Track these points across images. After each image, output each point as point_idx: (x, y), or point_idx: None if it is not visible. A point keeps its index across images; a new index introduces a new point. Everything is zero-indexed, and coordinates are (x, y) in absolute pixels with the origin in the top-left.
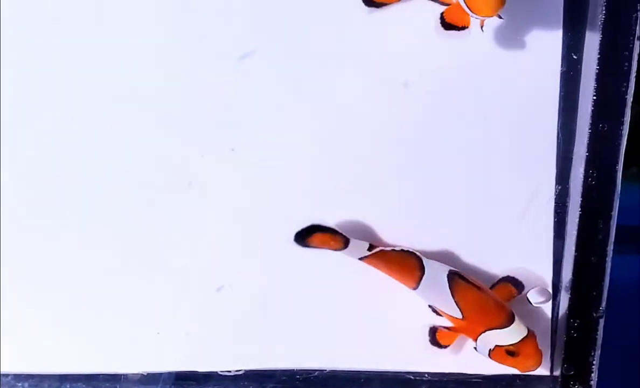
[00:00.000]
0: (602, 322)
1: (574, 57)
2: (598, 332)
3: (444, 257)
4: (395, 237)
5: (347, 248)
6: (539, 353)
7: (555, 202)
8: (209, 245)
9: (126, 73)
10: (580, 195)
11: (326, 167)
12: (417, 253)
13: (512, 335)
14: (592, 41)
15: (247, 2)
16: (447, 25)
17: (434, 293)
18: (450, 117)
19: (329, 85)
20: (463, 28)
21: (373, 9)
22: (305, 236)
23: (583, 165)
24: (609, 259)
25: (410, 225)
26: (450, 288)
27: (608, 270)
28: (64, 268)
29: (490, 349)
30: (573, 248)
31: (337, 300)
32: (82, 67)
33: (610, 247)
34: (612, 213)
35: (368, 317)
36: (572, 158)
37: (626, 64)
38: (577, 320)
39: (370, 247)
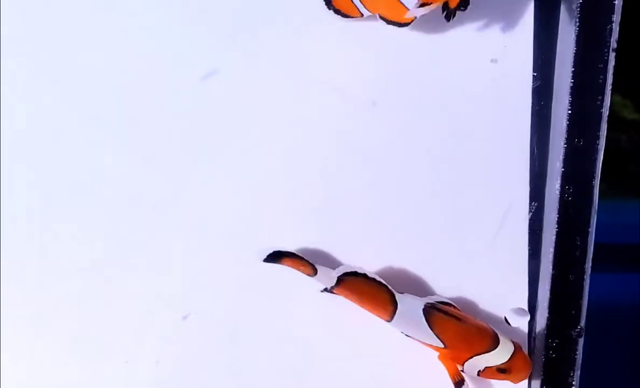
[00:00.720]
0: (581, 341)
1: (546, 71)
2: (577, 352)
3: (417, 277)
4: (367, 259)
5: (317, 276)
6: (529, 363)
7: (530, 219)
8: (174, 271)
9: (87, 95)
10: (556, 211)
11: (293, 188)
12: (389, 287)
13: (500, 355)
14: (566, 54)
15: (211, 20)
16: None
17: (411, 327)
18: (421, 136)
19: (294, 104)
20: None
21: (338, 17)
22: (274, 260)
23: (559, 181)
24: (587, 277)
25: (381, 246)
26: (427, 322)
27: (587, 288)
28: (25, 297)
29: (479, 370)
30: (550, 266)
31: (309, 326)
32: (43, 88)
33: (589, 264)
34: (590, 229)
35: (343, 343)
36: (547, 174)
37: (601, 77)
38: (556, 340)
39: (339, 279)
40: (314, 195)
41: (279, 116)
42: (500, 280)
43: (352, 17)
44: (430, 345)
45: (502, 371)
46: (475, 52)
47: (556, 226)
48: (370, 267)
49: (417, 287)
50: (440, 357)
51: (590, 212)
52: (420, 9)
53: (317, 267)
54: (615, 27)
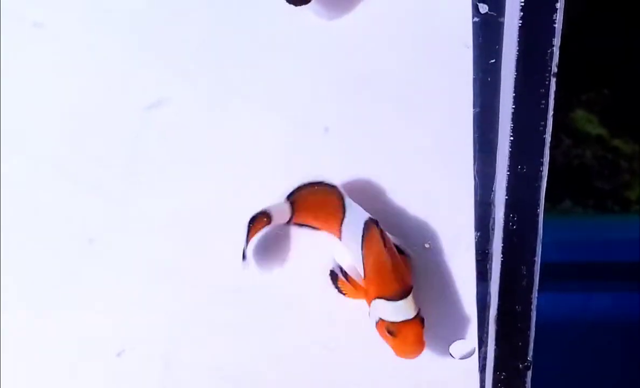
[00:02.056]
0: (529, 373)
1: (489, 97)
2: (526, 384)
3: None
4: None
5: (273, 218)
6: (419, 343)
7: (475, 250)
8: (107, 306)
9: (27, 123)
10: (501, 240)
11: (239, 218)
12: (340, 189)
13: (397, 311)
14: (507, 79)
15: (158, 49)
16: None
17: (350, 241)
18: (365, 162)
19: (242, 133)
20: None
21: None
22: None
23: (503, 209)
24: (533, 307)
25: None
26: (362, 238)
27: (533, 319)
28: None
29: (376, 321)
30: (496, 297)
31: (246, 358)
32: None
33: (535, 294)
34: (535, 258)
35: (280, 374)
36: (491, 202)
37: (543, 101)
38: (504, 373)
39: (291, 203)
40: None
41: (228, 144)
42: (447, 311)
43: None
44: (355, 280)
45: (390, 332)
46: (414, 80)
47: (501, 255)
48: None
49: None
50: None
51: (536, 241)
52: None
53: (266, 210)
54: (556, 52)
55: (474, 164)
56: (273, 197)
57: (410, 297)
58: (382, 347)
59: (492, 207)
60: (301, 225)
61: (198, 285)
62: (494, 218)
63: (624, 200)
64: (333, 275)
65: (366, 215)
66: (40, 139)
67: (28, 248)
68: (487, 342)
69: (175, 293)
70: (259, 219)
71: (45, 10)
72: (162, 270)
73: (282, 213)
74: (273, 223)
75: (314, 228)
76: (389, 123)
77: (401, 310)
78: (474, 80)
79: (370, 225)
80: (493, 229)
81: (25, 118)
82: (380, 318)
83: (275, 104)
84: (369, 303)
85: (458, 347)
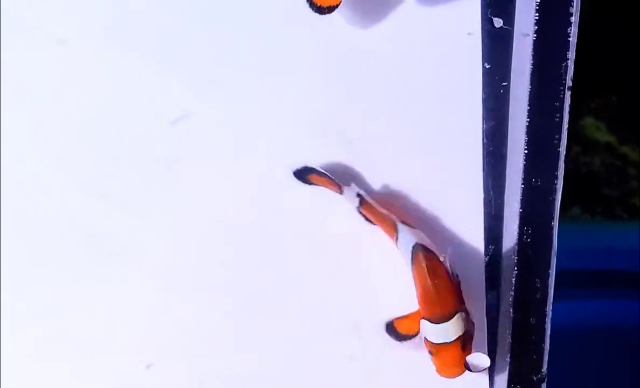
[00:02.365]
0: (544, 386)
1: (500, 110)
2: None
3: None
4: None
5: (343, 194)
6: (455, 365)
7: (488, 263)
8: (136, 319)
9: (54, 138)
10: (515, 253)
11: (265, 227)
12: (393, 218)
13: (437, 333)
14: (520, 93)
15: (182, 64)
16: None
17: (404, 263)
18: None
19: (268, 142)
20: None
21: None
22: (303, 176)
23: (517, 223)
24: (548, 320)
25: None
26: (411, 260)
27: (548, 331)
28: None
29: (423, 339)
30: (510, 309)
31: (276, 373)
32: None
33: (549, 307)
34: (550, 271)
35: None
36: (503, 215)
37: (557, 115)
38: (518, 386)
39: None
40: (286, 237)
41: (248, 157)
42: None
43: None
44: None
45: (430, 352)
46: (424, 88)
47: (515, 269)
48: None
49: None
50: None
51: (550, 254)
52: None
53: (342, 186)
54: (570, 65)
55: (487, 177)
56: (295, 204)
57: (452, 321)
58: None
59: (505, 219)
60: (365, 218)
61: (226, 296)
62: (507, 231)
63: (632, 207)
64: (389, 326)
65: (414, 239)
66: (66, 154)
67: (56, 260)
68: (501, 354)
69: (203, 304)
70: (334, 183)
71: (68, 26)
72: (188, 281)
73: (352, 196)
74: (341, 195)
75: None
76: (398, 131)
77: (441, 333)
78: (487, 93)
79: (417, 249)
80: (507, 242)
81: (52, 134)
82: (425, 338)
83: (298, 113)
84: (419, 322)
85: (474, 360)
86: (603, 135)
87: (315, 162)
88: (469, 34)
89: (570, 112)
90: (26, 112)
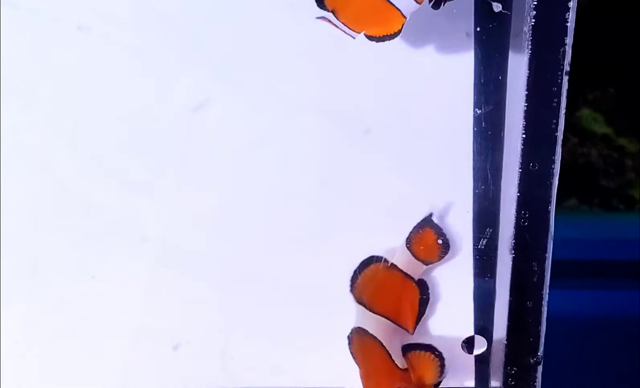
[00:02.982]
0: (540, 368)
1: (497, 94)
2: (537, 379)
3: None
4: None
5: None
6: None
7: (485, 245)
8: (162, 301)
9: (78, 124)
10: (512, 237)
11: (285, 216)
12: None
13: None
14: (518, 78)
15: (202, 52)
16: None
17: None
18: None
19: (286, 131)
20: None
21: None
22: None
23: (514, 206)
24: (544, 303)
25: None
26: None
27: (544, 315)
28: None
29: None
30: (507, 293)
31: (302, 351)
32: (34, 118)
33: (546, 291)
34: (547, 255)
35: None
36: (501, 199)
37: (555, 100)
38: (515, 368)
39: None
40: (307, 224)
41: (271, 145)
42: (444, 305)
43: None
44: None
45: None
46: (420, 73)
47: (512, 252)
48: None
49: None
50: None
51: (547, 238)
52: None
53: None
54: (568, 50)
55: (485, 161)
56: (315, 192)
57: None
58: None
59: (502, 203)
60: None
61: (251, 280)
62: (504, 215)
63: (629, 199)
64: None
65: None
66: (90, 141)
67: (81, 247)
68: (498, 337)
69: (229, 288)
70: None
71: (90, 14)
72: (214, 266)
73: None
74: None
75: None
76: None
77: None
78: (485, 78)
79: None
80: (503, 225)
81: (74, 121)
82: None
83: (315, 104)
84: None
85: (470, 342)
86: (600, 127)
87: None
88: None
89: (568, 104)
90: (49, 99)
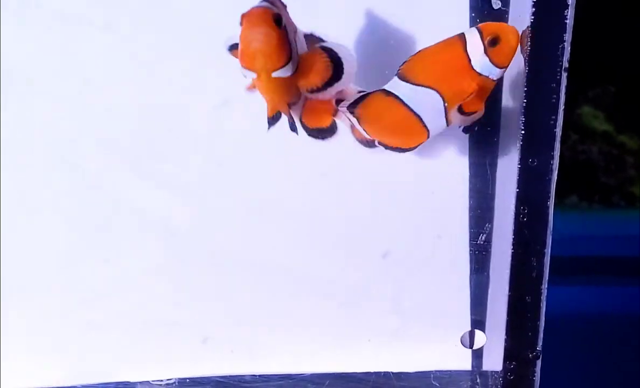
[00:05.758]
0: (539, 363)
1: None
2: (535, 374)
3: None
4: None
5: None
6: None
7: (484, 240)
8: (190, 296)
9: (103, 124)
10: (511, 232)
11: (312, 207)
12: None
13: None
14: (516, 73)
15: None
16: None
17: None
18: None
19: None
20: None
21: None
22: None
23: (513, 202)
24: (543, 298)
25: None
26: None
27: (543, 309)
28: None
29: None
30: (506, 287)
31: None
32: (62, 116)
33: (545, 285)
34: (545, 250)
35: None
36: (500, 195)
37: (554, 96)
38: (513, 363)
39: None
40: (328, 223)
41: (290, 143)
42: (439, 298)
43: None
44: None
45: None
46: None
47: (511, 247)
48: None
49: None
50: None
51: (546, 233)
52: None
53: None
54: (567, 46)
55: (484, 157)
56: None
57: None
58: None
59: (500, 198)
60: None
61: (278, 274)
62: (503, 210)
63: (629, 195)
64: None
65: None
66: (115, 139)
67: (109, 242)
68: (497, 332)
69: (255, 283)
70: None
71: (114, 13)
72: (241, 260)
73: None
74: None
75: None
76: None
77: None
78: None
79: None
80: (501, 220)
81: (100, 119)
82: None
83: None
84: None
85: (469, 337)
86: (601, 124)
87: None
88: None
89: (568, 101)
90: (76, 97)
